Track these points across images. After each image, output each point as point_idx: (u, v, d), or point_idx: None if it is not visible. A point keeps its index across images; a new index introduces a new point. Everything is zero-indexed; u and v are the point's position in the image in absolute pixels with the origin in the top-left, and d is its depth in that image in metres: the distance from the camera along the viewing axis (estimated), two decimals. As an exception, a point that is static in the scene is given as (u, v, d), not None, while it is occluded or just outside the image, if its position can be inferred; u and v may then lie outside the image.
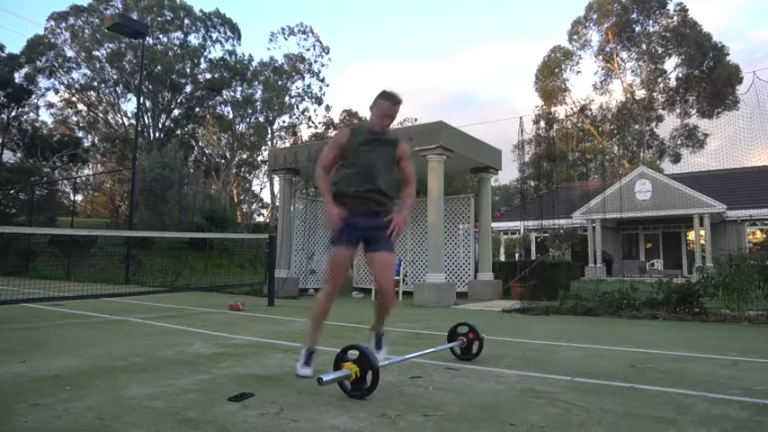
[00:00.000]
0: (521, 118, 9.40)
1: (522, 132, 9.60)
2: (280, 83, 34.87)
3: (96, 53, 28.28)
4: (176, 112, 30.77)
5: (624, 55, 34.61)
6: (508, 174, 52.12)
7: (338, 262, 2.99)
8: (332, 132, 36.40)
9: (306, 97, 36.92)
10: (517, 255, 20.72)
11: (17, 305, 6.49)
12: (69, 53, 28.60)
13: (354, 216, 2.95)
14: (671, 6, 32.39)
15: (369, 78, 76.59)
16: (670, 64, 33.36)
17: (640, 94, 34.04)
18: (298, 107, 36.80)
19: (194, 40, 30.54)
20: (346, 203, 2.97)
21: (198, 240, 16.03)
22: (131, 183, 15.09)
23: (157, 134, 29.39)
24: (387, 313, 3.18)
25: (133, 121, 28.75)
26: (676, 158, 33.80)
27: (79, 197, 34.50)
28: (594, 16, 34.05)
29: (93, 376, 2.98)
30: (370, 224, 2.96)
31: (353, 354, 2.58)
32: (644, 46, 33.50)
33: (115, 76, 28.61)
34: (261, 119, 33.58)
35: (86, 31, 28.28)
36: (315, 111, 40.16)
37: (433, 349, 3.32)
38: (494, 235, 17.67)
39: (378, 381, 2.54)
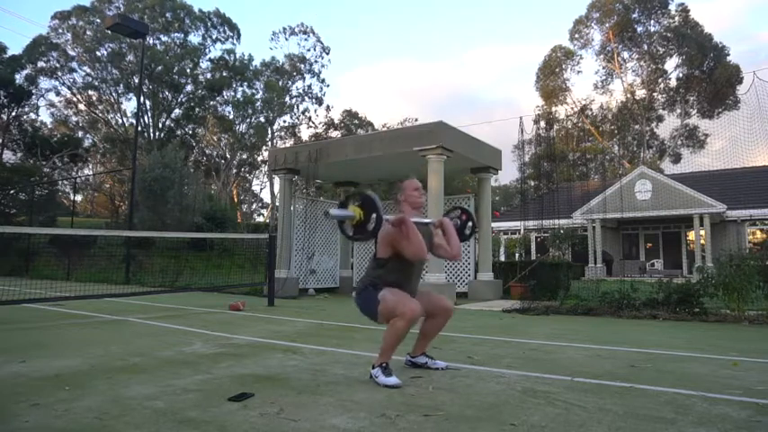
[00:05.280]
0: (521, 118, 9.41)
1: (522, 132, 9.60)
2: (281, 83, 34.88)
3: (97, 53, 28.33)
4: (177, 112, 30.79)
5: (625, 55, 34.66)
6: (508, 174, 52.22)
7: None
8: (332, 133, 36.44)
9: (306, 97, 36.98)
10: (517, 255, 20.70)
11: (17, 305, 6.49)
12: (71, 53, 28.67)
13: None
14: (672, 6, 32.44)
15: (372, 78, 76.80)
16: (671, 64, 33.42)
17: (641, 93, 34.05)
18: (298, 107, 36.85)
19: (194, 38, 30.62)
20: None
21: (198, 240, 16.01)
22: (131, 183, 15.08)
23: (158, 134, 29.40)
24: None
25: (133, 121, 28.77)
26: (676, 158, 33.82)
27: (79, 197, 34.55)
28: (596, 15, 34.06)
29: (92, 376, 2.98)
30: None
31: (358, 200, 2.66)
32: (645, 46, 33.52)
33: (116, 76, 28.62)
34: (261, 119, 33.58)
35: (88, 32, 28.32)
36: (315, 111, 40.18)
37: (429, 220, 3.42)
38: (494, 235, 17.67)
39: (381, 224, 2.56)
